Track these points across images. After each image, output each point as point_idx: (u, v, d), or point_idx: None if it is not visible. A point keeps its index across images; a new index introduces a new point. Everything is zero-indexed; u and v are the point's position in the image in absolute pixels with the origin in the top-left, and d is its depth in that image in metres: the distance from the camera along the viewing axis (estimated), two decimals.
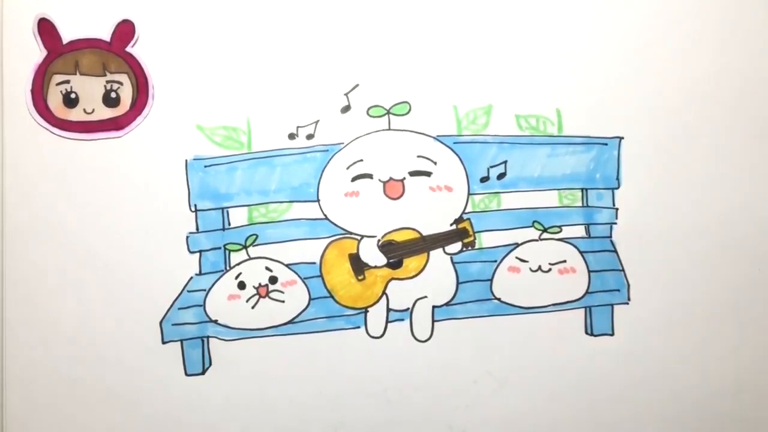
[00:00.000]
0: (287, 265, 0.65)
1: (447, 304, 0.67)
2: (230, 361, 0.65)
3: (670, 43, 0.68)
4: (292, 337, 0.66)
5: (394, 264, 0.66)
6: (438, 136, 0.66)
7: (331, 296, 0.66)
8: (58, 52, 0.63)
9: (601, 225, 0.68)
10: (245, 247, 0.65)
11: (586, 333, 0.69)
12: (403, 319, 0.66)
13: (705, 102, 0.68)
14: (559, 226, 0.68)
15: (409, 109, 0.66)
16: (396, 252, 0.66)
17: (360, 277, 0.66)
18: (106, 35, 0.64)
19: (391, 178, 0.66)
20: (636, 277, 0.69)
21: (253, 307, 0.65)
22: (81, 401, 0.65)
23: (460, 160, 0.66)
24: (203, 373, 0.65)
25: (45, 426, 0.65)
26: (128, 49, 0.64)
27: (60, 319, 0.64)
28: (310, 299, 0.66)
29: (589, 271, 0.68)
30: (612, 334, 0.69)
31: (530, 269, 0.68)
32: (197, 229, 0.65)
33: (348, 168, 0.66)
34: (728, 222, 0.69)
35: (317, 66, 0.65)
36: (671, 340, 0.69)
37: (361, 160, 0.65)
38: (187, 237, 0.65)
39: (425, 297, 0.66)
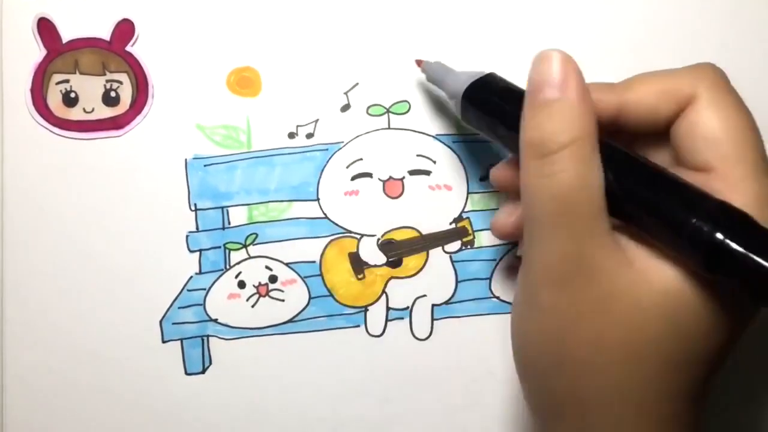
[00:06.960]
0: (287, 264, 0.65)
1: (446, 302, 0.67)
2: (230, 360, 0.65)
3: (670, 44, 0.68)
4: (292, 336, 0.66)
5: (394, 263, 0.66)
6: (437, 134, 0.66)
7: (331, 295, 0.66)
8: (58, 52, 0.63)
9: None
10: (245, 246, 0.65)
11: None
12: (402, 318, 0.66)
13: None
14: None
15: (409, 108, 0.66)
16: (395, 251, 0.66)
17: (360, 276, 0.66)
18: (105, 34, 0.64)
19: (390, 177, 0.66)
20: None
21: (253, 306, 0.65)
22: (81, 401, 0.65)
23: (460, 159, 0.66)
24: (203, 372, 0.65)
25: (45, 426, 0.65)
26: (128, 48, 0.64)
27: (59, 318, 0.64)
28: (310, 298, 0.66)
29: None
30: None
31: None
32: (197, 228, 0.65)
33: (348, 167, 0.66)
34: None
35: (317, 65, 0.65)
36: None
37: (361, 159, 0.66)
38: (187, 236, 0.65)
39: (425, 295, 0.66)
